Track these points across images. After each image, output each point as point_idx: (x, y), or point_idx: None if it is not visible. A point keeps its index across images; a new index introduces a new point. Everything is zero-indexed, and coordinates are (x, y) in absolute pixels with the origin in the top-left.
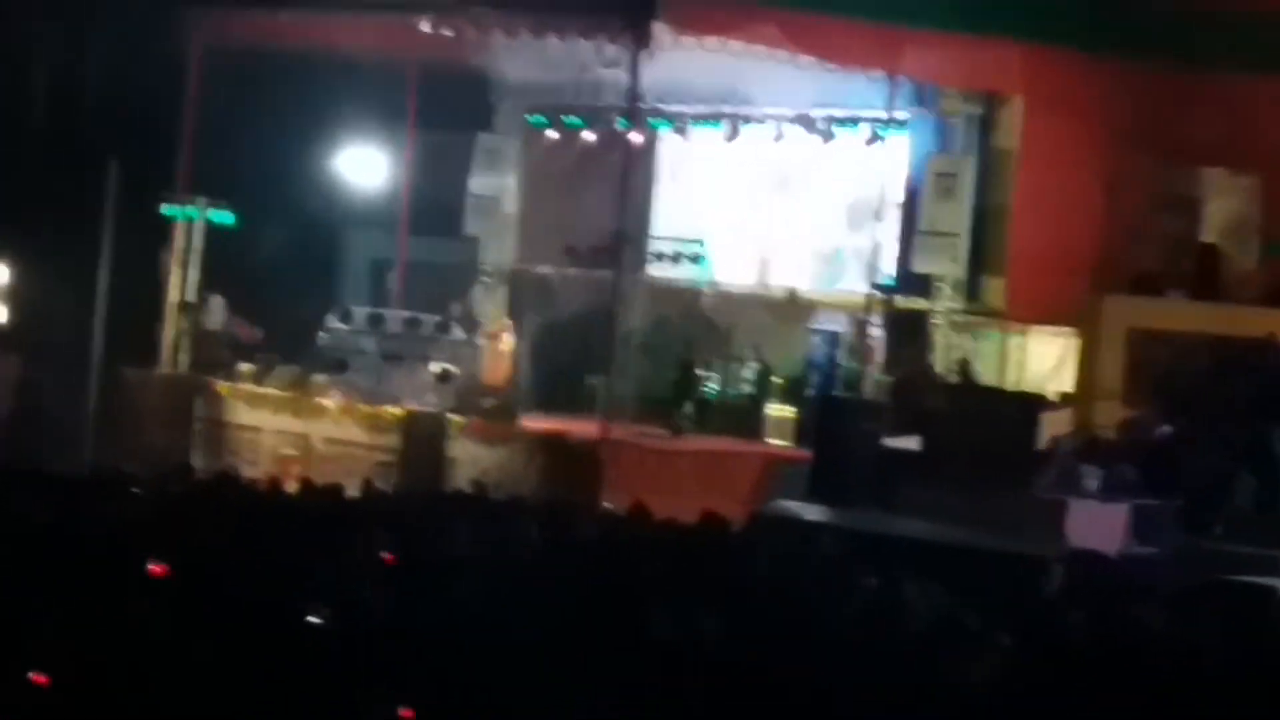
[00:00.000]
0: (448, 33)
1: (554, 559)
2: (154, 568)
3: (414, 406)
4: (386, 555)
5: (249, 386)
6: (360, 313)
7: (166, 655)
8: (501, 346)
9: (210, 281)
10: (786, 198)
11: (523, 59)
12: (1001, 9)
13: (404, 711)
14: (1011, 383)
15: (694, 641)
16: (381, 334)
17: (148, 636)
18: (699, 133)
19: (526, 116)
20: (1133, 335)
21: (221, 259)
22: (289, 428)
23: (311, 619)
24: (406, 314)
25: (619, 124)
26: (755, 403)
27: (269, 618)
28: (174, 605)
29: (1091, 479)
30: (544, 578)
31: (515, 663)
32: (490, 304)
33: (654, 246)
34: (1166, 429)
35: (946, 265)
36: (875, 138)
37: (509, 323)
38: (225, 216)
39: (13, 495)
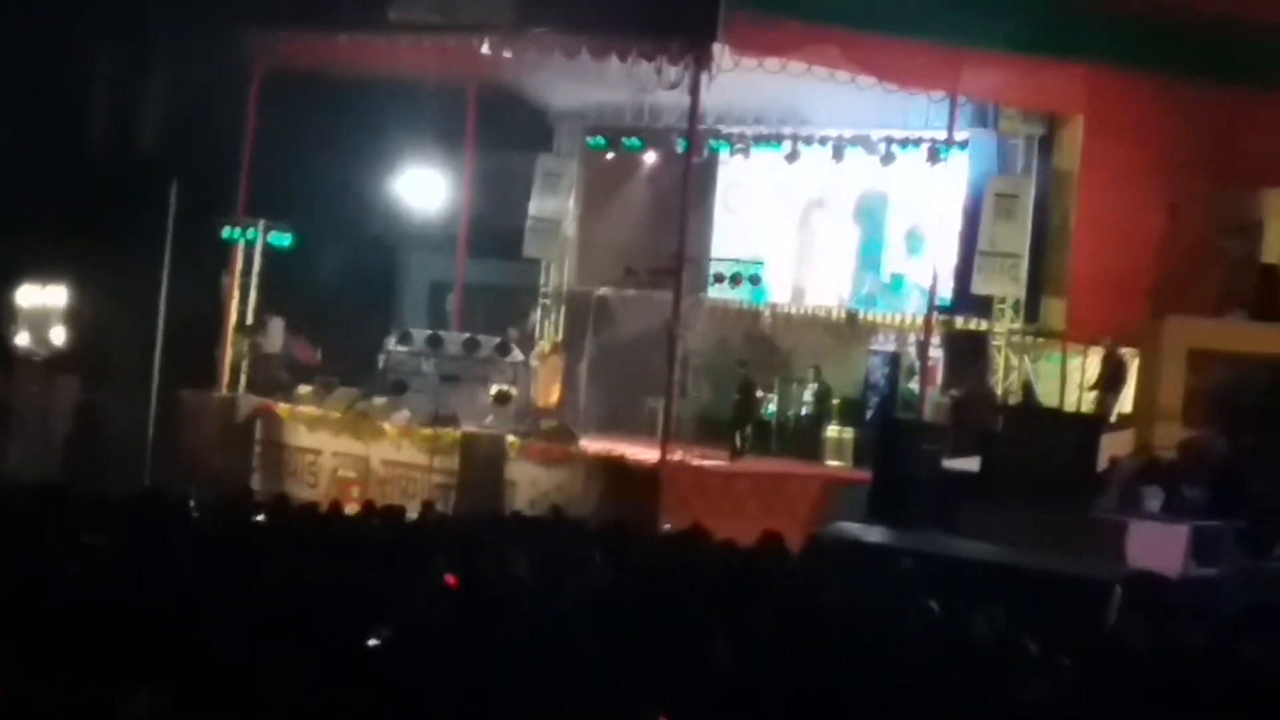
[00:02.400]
0: (507, 55)
1: (612, 581)
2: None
3: (473, 428)
4: (449, 578)
5: (308, 408)
6: (419, 335)
7: (231, 678)
8: (560, 368)
9: (269, 304)
10: (845, 218)
11: (582, 81)
12: (1062, 29)
13: None
14: (1071, 403)
15: (753, 663)
16: (440, 356)
17: (209, 659)
18: (759, 154)
19: (586, 138)
20: (1193, 356)
21: (281, 281)
22: (348, 450)
23: (372, 641)
24: (465, 336)
25: (679, 145)
26: (814, 424)
27: (331, 641)
28: (236, 628)
29: (1152, 500)
30: (602, 600)
31: (574, 686)
32: (549, 326)
33: (714, 268)
34: (1227, 449)
35: (1007, 286)
36: (935, 158)
37: (568, 344)
38: (284, 239)
39: (72, 517)
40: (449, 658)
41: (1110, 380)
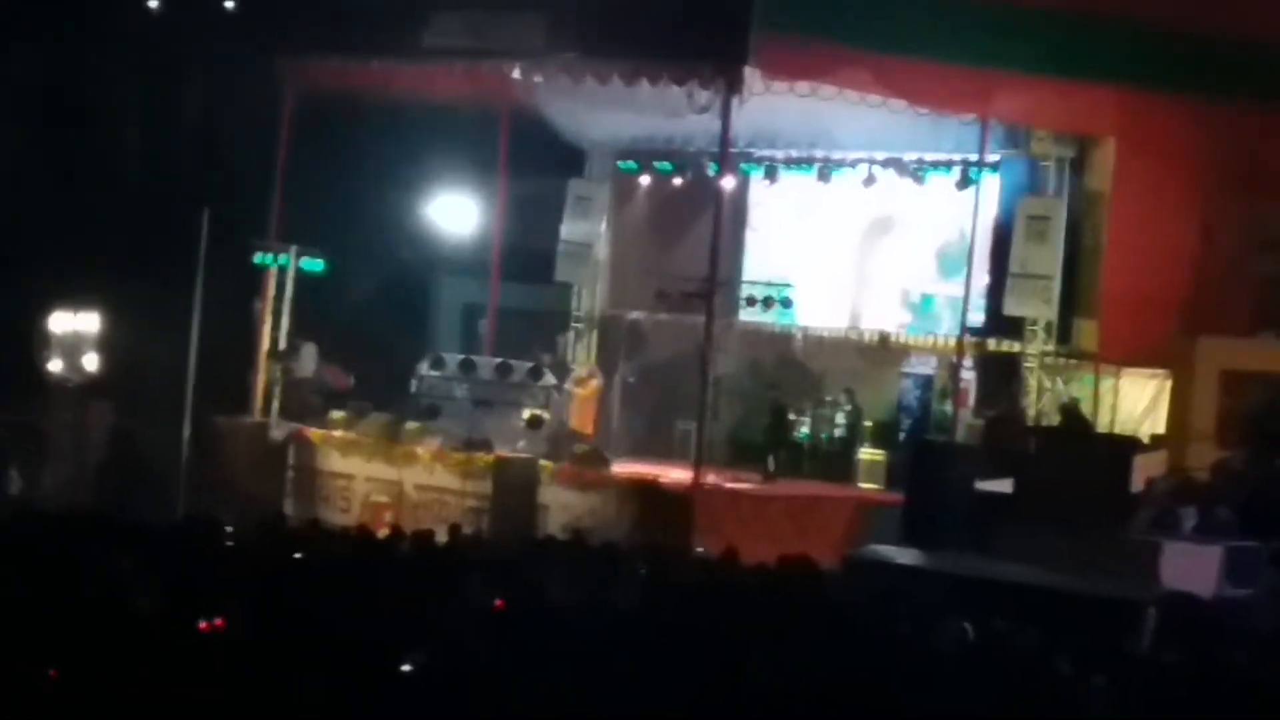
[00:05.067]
0: (539, 80)
1: (647, 604)
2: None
3: (506, 452)
4: (493, 601)
5: (341, 433)
6: (452, 359)
7: (262, 703)
8: (593, 392)
9: (302, 329)
10: (878, 241)
11: (614, 105)
12: (1093, 51)
13: None
14: (1104, 424)
15: (789, 686)
16: (473, 380)
17: (242, 686)
18: (790, 177)
19: (617, 162)
20: (1226, 376)
21: (313, 306)
22: (381, 475)
23: (407, 666)
24: (498, 360)
25: (710, 169)
26: (847, 446)
27: (365, 665)
28: (267, 653)
29: (1186, 521)
30: (637, 623)
31: (611, 708)
32: (582, 349)
33: (745, 291)
34: (1260, 470)
35: (1039, 307)
36: (967, 180)
37: (600, 368)
38: (316, 264)
39: (106, 543)
40: (483, 683)
41: None
